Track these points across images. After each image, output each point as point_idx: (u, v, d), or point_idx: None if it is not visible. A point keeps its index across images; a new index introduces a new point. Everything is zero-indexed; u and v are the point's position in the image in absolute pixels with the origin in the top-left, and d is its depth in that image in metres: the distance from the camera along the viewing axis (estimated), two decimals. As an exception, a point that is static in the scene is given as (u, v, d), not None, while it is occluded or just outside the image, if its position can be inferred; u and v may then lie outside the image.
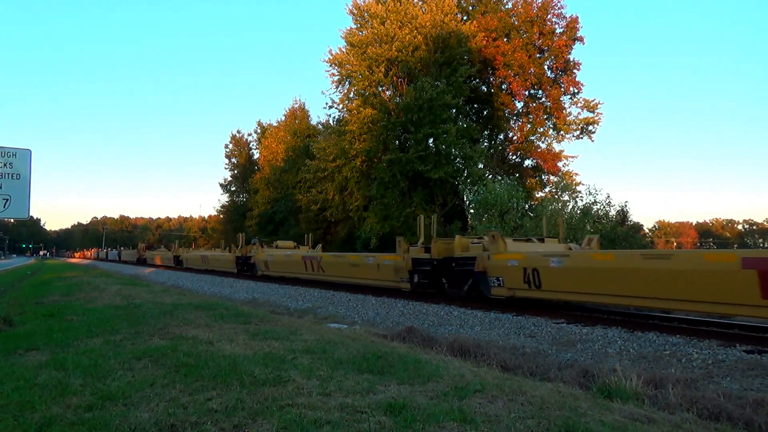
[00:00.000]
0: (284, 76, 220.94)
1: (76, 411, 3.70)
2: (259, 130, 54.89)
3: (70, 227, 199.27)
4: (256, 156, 55.13)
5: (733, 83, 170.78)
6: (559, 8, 30.17)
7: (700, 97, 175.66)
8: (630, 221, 28.10)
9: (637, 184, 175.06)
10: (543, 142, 31.72)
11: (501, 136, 33.49)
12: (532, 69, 29.50)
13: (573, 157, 33.16)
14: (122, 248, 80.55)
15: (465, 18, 31.37)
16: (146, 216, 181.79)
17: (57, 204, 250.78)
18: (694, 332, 8.21)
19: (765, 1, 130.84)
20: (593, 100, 30.06)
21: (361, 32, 29.72)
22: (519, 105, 31.41)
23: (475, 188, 25.42)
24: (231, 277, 24.89)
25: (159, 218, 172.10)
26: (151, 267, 43.33)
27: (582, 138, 31.02)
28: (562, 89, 30.07)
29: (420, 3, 30.21)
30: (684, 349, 7.17)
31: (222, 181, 58.95)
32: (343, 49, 30.08)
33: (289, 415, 3.51)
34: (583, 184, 28.26)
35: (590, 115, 30.25)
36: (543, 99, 30.63)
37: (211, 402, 3.83)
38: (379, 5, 28.96)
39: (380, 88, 29.35)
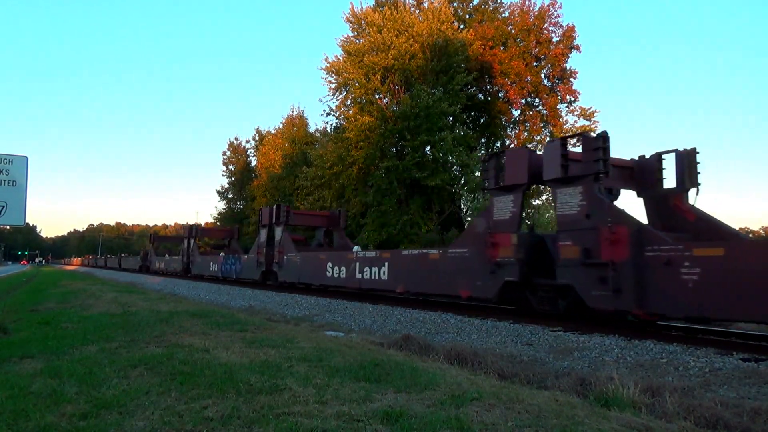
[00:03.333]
0: (283, 84, 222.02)
1: (71, 419, 3.67)
2: (257, 137, 54.92)
3: (66, 234, 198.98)
4: (254, 163, 55.11)
5: (731, 90, 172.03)
6: (555, 17, 30.37)
7: (696, 105, 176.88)
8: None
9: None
10: (540, 150, 31.80)
11: (498, 144, 33.58)
12: (528, 77, 29.65)
13: (570, 165, 33.19)
14: (123, 255, 72.12)
15: (462, 26, 31.53)
16: (143, 223, 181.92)
17: (53, 211, 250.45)
18: (691, 340, 8.22)
19: (762, 3, 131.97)
20: (590, 109, 30.16)
21: (358, 40, 29.85)
22: (516, 113, 31.55)
23: (473, 196, 25.46)
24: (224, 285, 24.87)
25: (156, 225, 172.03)
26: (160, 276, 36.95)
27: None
28: (559, 97, 30.20)
29: (417, 11, 30.39)
30: (681, 357, 7.17)
31: (219, 188, 58.79)
32: (340, 57, 30.20)
33: (286, 424, 3.49)
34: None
35: (587, 123, 30.30)
36: (540, 107, 30.75)
37: (207, 410, 3.81)
38: (377, 14, 29.11)
39: (377, 96, 29.43)
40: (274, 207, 21.93)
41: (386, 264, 14.83)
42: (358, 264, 15.96)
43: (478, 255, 11.60)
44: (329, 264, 17.40)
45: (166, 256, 43.10)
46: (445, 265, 12.63)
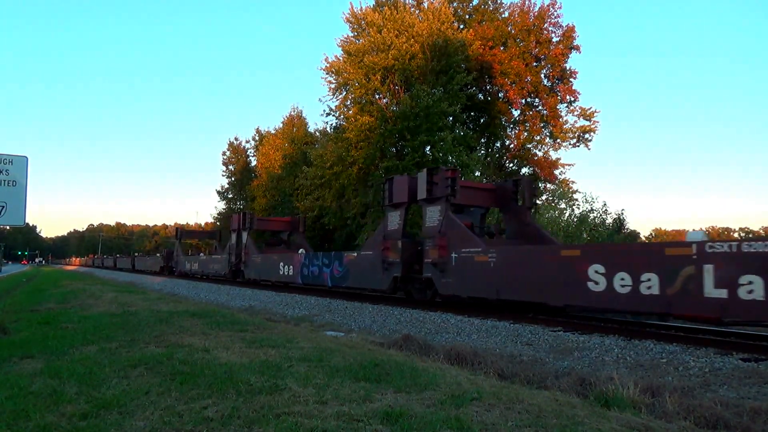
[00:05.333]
0: (283, 84, 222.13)
1: (71, 419, 3.67)
2: (257, 137, 54.94)
3: (65, 234, 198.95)
4: (254, 163, 55.12)
5: (730, 90, 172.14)
6: (555, 17, 30.39)
7: (697, 104, 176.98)
8: (627, 229, 28.23)
9: (633, 191, 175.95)
10: (540, 150, 31.82)
11: (498, 144, 33.61)
12: (528, 77, 29.66)
13: (570, 165, 33.30)
14: (137, 254, 63.63)
15: (462, 27, 31.53)
16: (143, 223, 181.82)
17: (53, 211, 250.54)
18: (691, 340, 8.22)
19: (762, 5, 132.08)
20: (589, 108, 30.21)
21: (358, 40, 29.85)
22: (516, 113, 31.57)
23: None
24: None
25: (155, 225, 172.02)
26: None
27: (578, 146, 31.12)
28: (559, 97, 30.21)
29: (417, 12, 30.39)
30: (681, 357, 7.17)
31: (219, 189, 58.76)
32: (340, 57, 30.20)
33: (286, 424, 3.49)
34: (579, 192, 28.23)
35: (586, 123, 30.37)
36: (540, 107, 30.76)
37: (206, 410, 3.81)
38: (376, 14, 29.11)
39: (377, 96, 29.43)
40: (424, 174, 13.96)
41: None
42: (711, 269, 7.91)
43: None
44: (597, 269, 9.47)
45: (201, 255, 35.39)
46: None
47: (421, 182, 13.86)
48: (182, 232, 41.76)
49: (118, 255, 78.12)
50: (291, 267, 20.66)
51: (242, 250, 25.50)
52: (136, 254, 64.60)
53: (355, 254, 16.92)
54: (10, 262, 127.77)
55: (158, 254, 47.78)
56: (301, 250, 23.27)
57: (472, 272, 12.10)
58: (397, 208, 14.93)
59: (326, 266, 18.22)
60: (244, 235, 25.64)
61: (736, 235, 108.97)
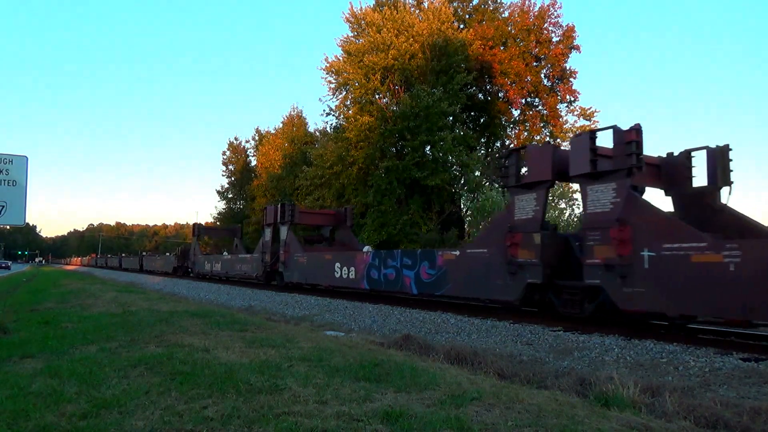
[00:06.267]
0: (282, 84, 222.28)
1: (71, 419, 3.67)
2: (257, 137, 54.98)
3: (66, 234, 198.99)
4: (254, 163, 55.12)
5: (730, 89, 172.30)
6: (555, 17, 30.42)
7: (697, 104, 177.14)
8: (627, 229, 28.12)
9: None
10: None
11: (498, 144, 33.63)
12: (528, 77, 29.67)
13: (569, 164, 33.25)
14: (145, 253, 59.00)
15: (462, 26, 31.56)
16: (143, 223, 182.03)
17: (52, 210, 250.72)
18: (691, 340, 8.22)
19: (762, 4, 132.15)
20: (589, 108, 30.22)
21: (358, 40, 29.88)
22: (516, 113, 31.60)
23: (473, 195, 25.45)
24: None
25: (155, 225, 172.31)
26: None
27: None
28: (559, 97, 30.22)
29: (417, 11, 30.40)
30: (681, 357, 7.17)
31: (219, 188, 58.75)
32: (340, 57, 30.22)
33: (286, 423, 3.50)
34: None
35: (587, 123, 30.36)
36: (540, 107, 30.78)
37: (206, 410, 3.81)
38: (376, 14, 29.13)
39: (377, 96, 29.45)
40: (586, 138, 9.86)
41: None
42: None
43: None
44: None
45: (226, 254, 31.49)
46: None
47: (580, 150, 9.87)
48: (200, 228, 36.02)
49: (123, 254, 72.78)
50: (353, 268, 16.67)
51: (280, 247, 21.48)
52: (145, 253, 60.62)
53: (457, 252, 12.85)
54: (11, 262, 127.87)
55: (168, 253, 43.59)
56: (367, 248, 19.63)
57: (685, 279, 8.17)
58: (531, 189, 10.84)
59: (408, 268, 14.24)
60: (283, 230, 21.41)
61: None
